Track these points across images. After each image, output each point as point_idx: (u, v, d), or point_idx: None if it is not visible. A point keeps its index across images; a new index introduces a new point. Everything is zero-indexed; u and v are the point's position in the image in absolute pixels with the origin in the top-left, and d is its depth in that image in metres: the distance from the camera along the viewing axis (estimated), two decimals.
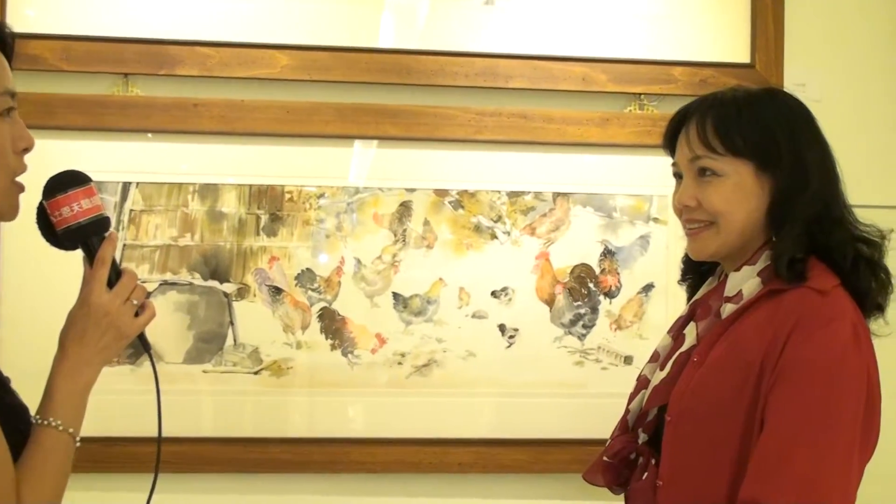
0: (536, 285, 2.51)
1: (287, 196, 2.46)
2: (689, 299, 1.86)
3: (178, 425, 2.34)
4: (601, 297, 2.53)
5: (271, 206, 2.45)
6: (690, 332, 1.72)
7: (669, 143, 1.74)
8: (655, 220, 2.55)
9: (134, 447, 2.30)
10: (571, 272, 2.53)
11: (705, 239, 1.66)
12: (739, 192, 1.61)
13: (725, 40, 2.57)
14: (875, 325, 1.62)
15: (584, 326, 2.52)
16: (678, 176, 1.72)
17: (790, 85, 2.47)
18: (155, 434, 1.62)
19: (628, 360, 2.53)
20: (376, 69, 2.46)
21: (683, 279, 1.89)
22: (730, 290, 1.66)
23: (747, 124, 1.61)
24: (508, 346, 2.50)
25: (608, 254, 2.53)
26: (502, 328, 2.50)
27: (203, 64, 2.41)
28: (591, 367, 2.52)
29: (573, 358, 2.51)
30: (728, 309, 1.64)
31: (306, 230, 2.46)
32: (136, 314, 1.56)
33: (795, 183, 1.59)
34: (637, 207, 2.55)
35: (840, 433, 1.47)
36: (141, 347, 1.64)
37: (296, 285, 2.45)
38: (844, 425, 1.48)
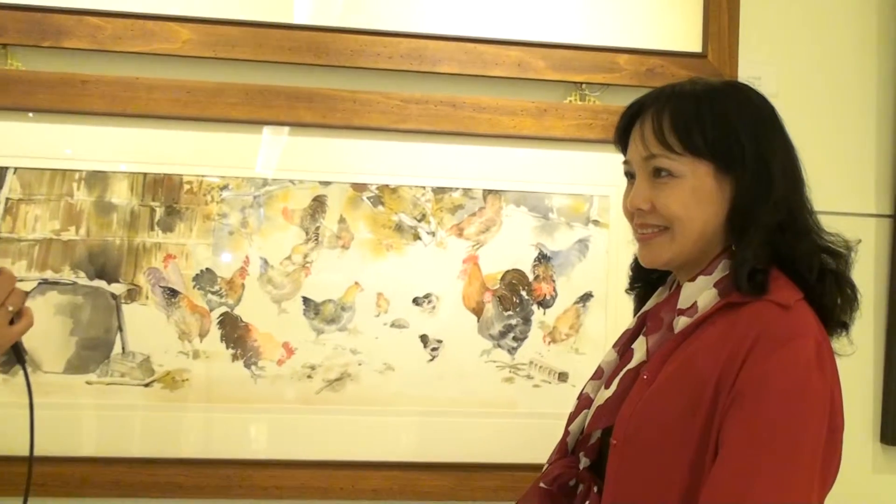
0: (463, 292, 2.48)
1: (186, 187, 2.40)
2: (636, 310, 1.84)
3: (57, 443, 2.29)
4: (534, 307, 2.50)
5: (168, 197, 2.39)
6: (640, 347, 1.70)
7: (621, 139, 1.72)
8: (595, 222, 2.52)
9: (4, 467, 2.22)
10: (502, 278, 2.49)
11: (658, 245, 1.64)
12: (698, 195, 1.59)
13: (676, 27, 2.54)
14: (838, 343, 1.61)
15: (514, 339, 2.49)
16: (630, 175, 1.69)
17: (745, 77, 2.47)
18: (28, 453, 1.58)
19: (563, 376, 2.49)
20: (289, 47, 2.40)
21: (632, 288, 1.86)
22: (683, 301, 1.63)
23: (708, 121, 1.59)
24: (431, 360, 2.46)
25: (543, 259, 2.51)
26: (424, 339, 2.46)
27: (93, 36, 2.33)
28: (521, 383, 2.48)
29: (502, 373, 2.48)
30: (681, 322, 1.61)
31: (207, 225, 2.40)
32: (12, 321, 1.51)
33: (759, 187, 1.57)
34: (575, 208, 2.52)
35: (801, 463, 1.45)
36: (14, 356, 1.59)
37: (194, 287, 2.40)
38: (805, 454, 1.45)
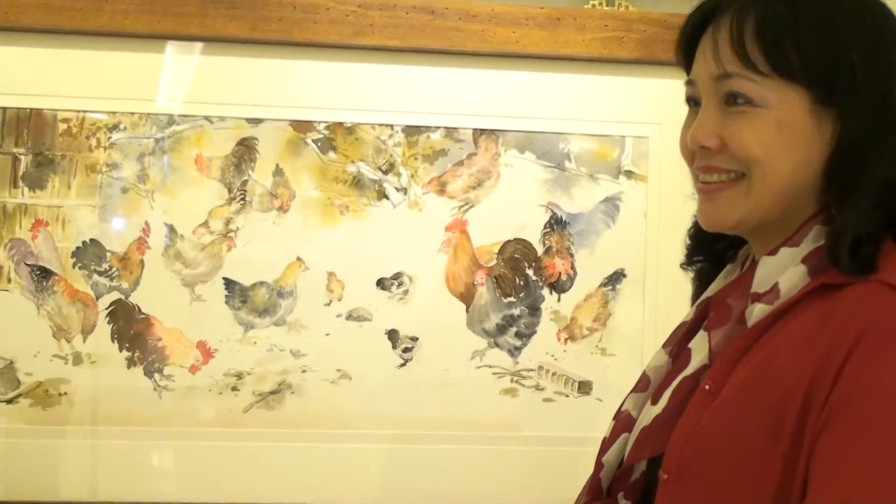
0: (447, 272, 2.39)
1: (62, 127, 2.32)
2: (695, 297, 1.72)
3: None
4: (545, 291, 2.41)
5: (36, 141, 2.31)
6: (700, 348, 1.57)
7: (685, 51, 1.61)
8: (629, 174, 2.43)
9: None
10: (500, 252, 2.40)
11: (728, 200, 1.52)
12: (786, 133, 1.47)
13: None
14: None
15: (518, 335, 2.40)
16: (693, 101, 1.57)
17: None
18: None
19: (585, 387, 2.40)
20: None
21: (689, 263, 1.75)
22: (760, 283, 1.51)
23: (808, 31, 1.47)
24: (403, 365, 2.37)
25: (557, 224, 2.42)
26: (394, 336, 2.37)
27: None
28: (528, 397, 2.39)
29: (501, 383, 2.39)
30: (758, 312, 1.49)
31: (91, 180, 2.32)
32: None
33: (874, 127, 1.45)
34: (602, 154, 2.43)
35: None
36: None
37: (74, 266, 2.31)
38: None
